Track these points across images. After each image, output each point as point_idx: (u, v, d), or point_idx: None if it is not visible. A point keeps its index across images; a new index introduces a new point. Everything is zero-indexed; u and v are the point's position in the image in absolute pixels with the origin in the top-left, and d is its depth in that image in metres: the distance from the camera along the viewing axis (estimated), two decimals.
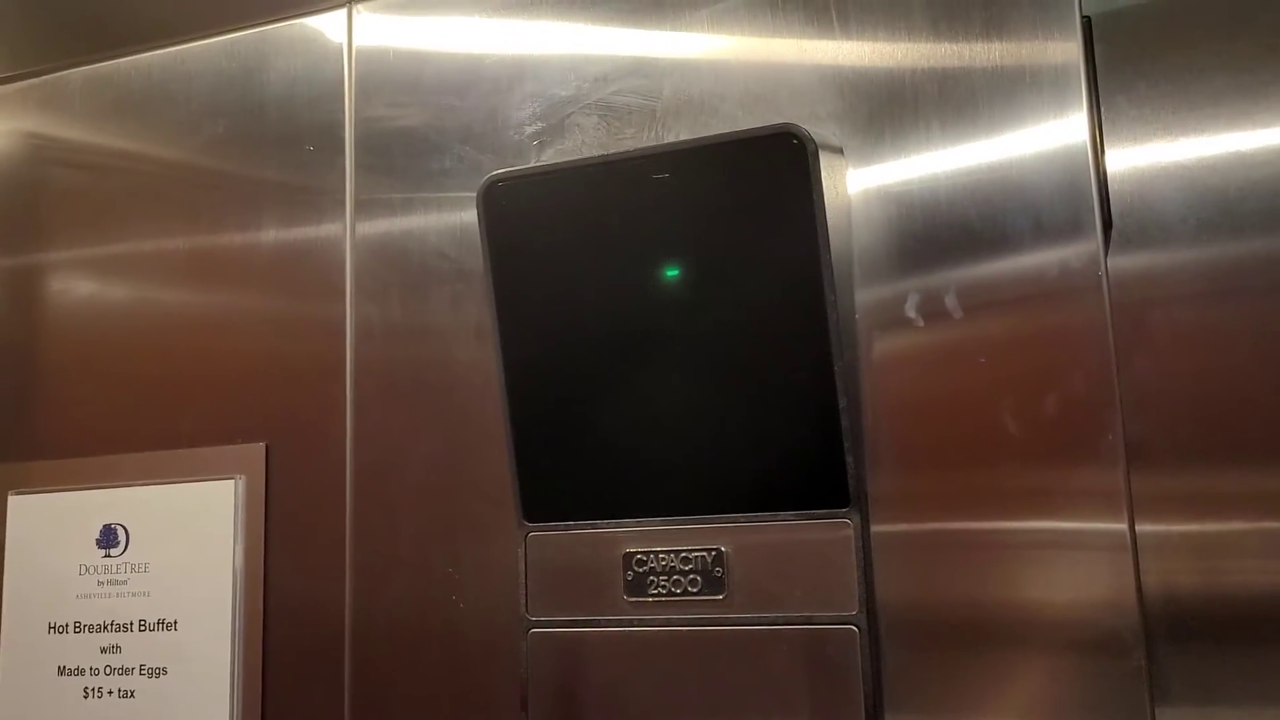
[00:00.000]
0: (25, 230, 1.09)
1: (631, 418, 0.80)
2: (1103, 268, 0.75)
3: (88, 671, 0.97)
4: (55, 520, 1.01)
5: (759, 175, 0.76)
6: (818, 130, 0.80)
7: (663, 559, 0.79)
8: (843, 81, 0.82)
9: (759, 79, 0.84)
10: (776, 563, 0.77)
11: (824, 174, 0.77)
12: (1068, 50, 0.77)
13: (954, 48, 0.80)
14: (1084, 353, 0.74)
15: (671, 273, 0.78)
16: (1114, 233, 0.85)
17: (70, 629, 0.99)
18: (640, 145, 0.86)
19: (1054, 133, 0.77)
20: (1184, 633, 0.75)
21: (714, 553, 0.78)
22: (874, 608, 0.76)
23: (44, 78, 1.11)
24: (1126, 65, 0.87)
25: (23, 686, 1.00)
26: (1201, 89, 0.86)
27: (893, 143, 0.81)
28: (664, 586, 0.79)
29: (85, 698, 0.97)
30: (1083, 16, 0.78)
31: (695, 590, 0.78)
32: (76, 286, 1.06)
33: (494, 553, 0.86)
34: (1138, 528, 0.73)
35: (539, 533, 0.83)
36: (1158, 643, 0.73)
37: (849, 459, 0.75)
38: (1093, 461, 0.73)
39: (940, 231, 0.79)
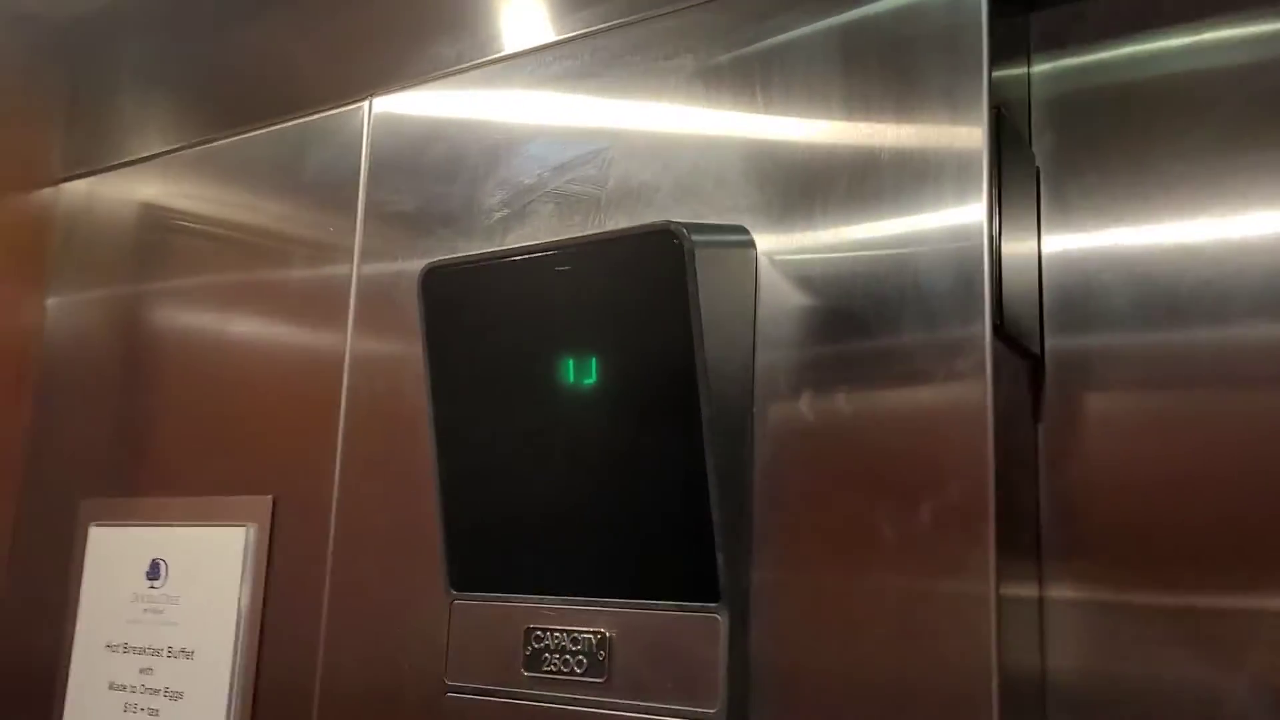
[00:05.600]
0: (126, 298, 1.26)
1: (538, 500, 0.83)
2: (988, 370, 0.71)
3: (128, 689, 1.10)
4: (119, 551, 1.15)
5: (643, 270, 0.78)
6: (737, 221, 0.82)
7: (557, 637, 0.82)
8: (763, 174, 0.83)
9: (690, 172, 0.86)
10: (652, 651, 0.78)
11: (728, 267, 0.79)
12: (973, 137, 0.74)
13: (867, 133, 0.79)
14: (964, 456, 0.71)
15: (571, 364, 0.81)
16: (1054, 319, 0.82)
17: (121, 649, 1.12)
18: (587, 231, 0.90)
19: (954, 221, 0.74)
20: None
21: (599, 635, 0.80)
22: (741, 706, 0.75)
23: (155, 160, 1.28)
24: (1081, 152, 0.83)
25: (84, 697, 1.14)
26: (1156, 180, 0.81)
27: (804, 230, 0.80)
28: (555, 664, 0.81)
29: (125, 711, 1.10)
30: (992, 106, 0.74)
31: (580, 671, 0.80)
32: (156, 347, 1.21)
33: (439, 619, 0.91)
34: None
35: (462, 601, 0.87)
36: None
37: (719, 555, 0.75)
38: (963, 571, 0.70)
39: (840, 320, 0.78)
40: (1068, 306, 0.82)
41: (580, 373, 0.81)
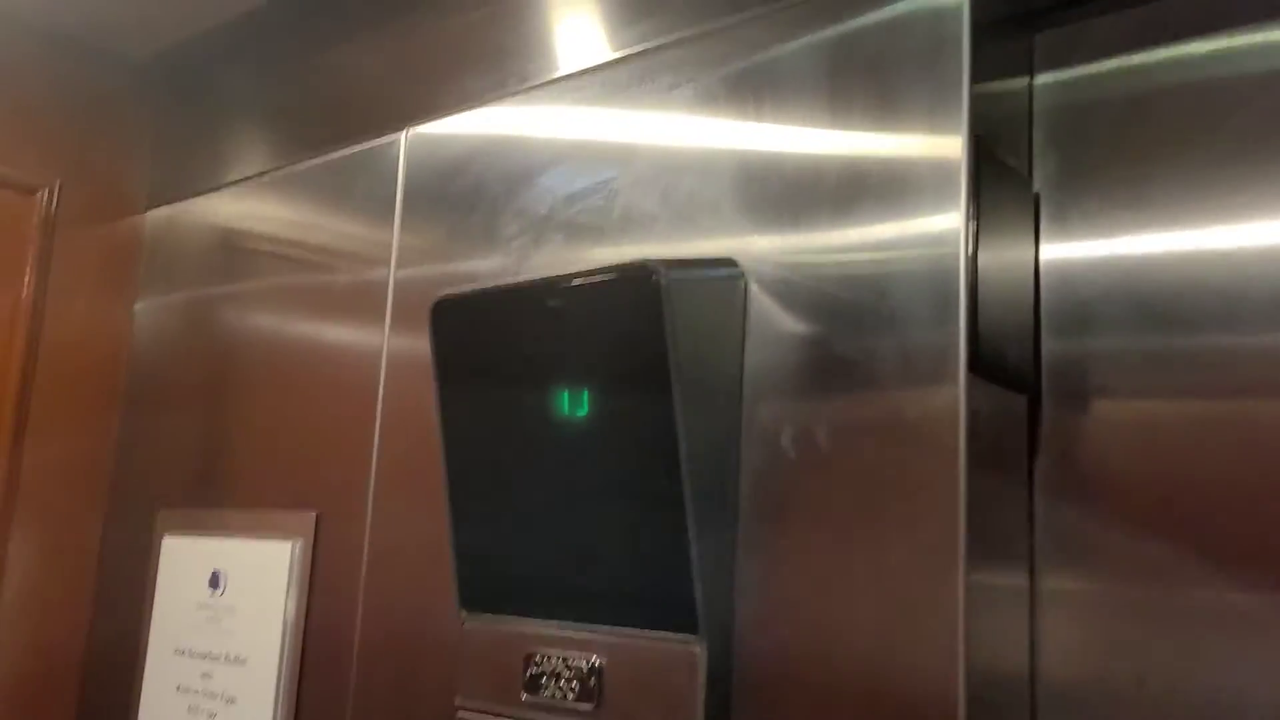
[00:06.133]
0: (201, 316, 1.33)
1: (536, 526, 0.85)
2: (961, 408, 0.70)
3: (191, 691, 1.17)
4: (187, 561, 1.22)
5: (624, 306, 0.79)
6: (730, 247, 0.83)
7: (553, 661, 0.84)
8: (750, 203, 0.83)
9: (687, 201, 0.87)
10: (638, 680, 0.79)
11: (712, 300, 0.80)
12: (952, 164, 0.73)
13: (852, 157, 0.78)
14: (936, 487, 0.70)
15: (565, 396, 0.83)
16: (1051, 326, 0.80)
17: (187, 654, 1.19)
18: (594, 259, 0.92)
19: (932, 249, 0.73)
20: None
21: (590, 662, 0.81)
22: None
23: (226, 190, 1.35)
24: (1080, 176, 0.81)
25: (155, 697, 1.22)
26: (1158, 199, 0.78)
27: (792, 256, 0.80)
28: (550, 689, 0.83)
29: (189, 713, 1.17)
30: (972, 135, 0.73)
31: (573, 697, 0.82)
32: (226, 363, 1.28)
33: (455, 637, 0.94)
34: None
35: (471, 622, 0.90)
36: None
37: (698, 588, 0.76)
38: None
39: (820, 354, 0.78)
40: (1068, 330, 0.80)
41: (574, 404, 0.82)
